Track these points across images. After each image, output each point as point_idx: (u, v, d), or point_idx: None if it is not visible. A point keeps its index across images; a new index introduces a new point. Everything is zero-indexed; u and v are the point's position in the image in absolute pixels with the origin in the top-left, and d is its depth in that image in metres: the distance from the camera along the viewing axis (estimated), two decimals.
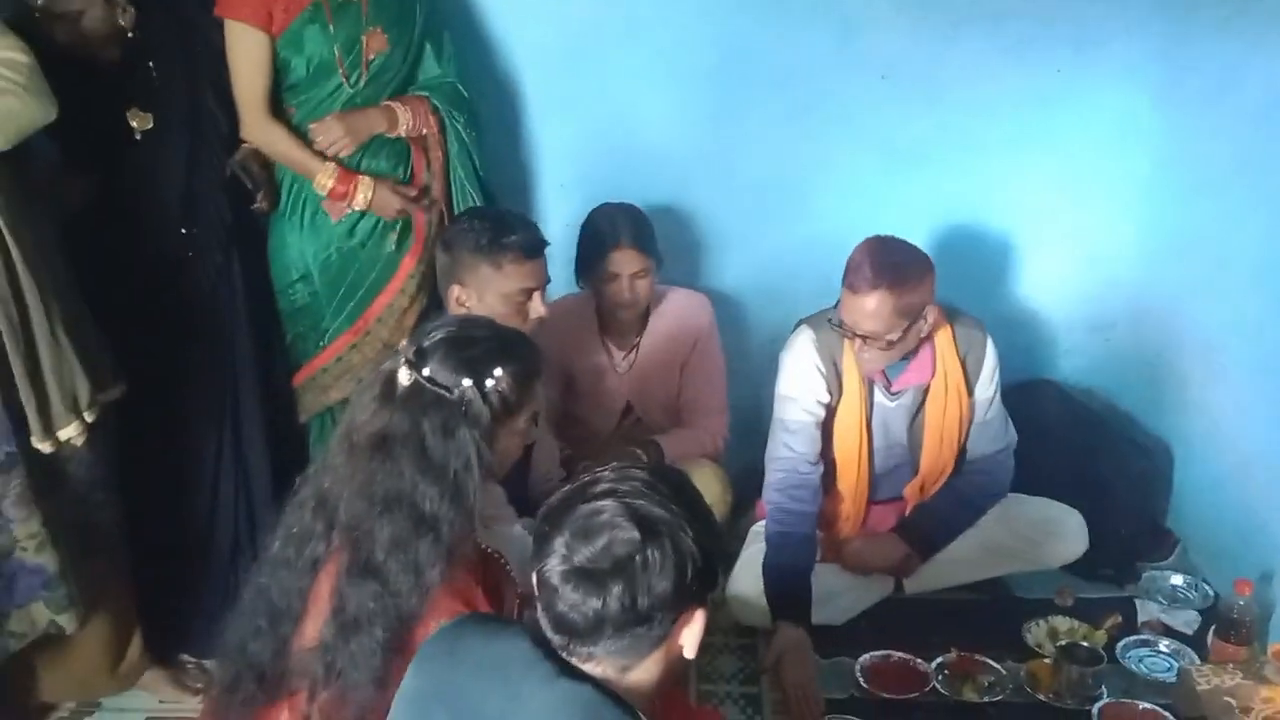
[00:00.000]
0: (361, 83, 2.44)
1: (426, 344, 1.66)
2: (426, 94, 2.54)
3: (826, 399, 2.52)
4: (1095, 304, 3.18)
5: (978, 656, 2.39)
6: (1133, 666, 2.39)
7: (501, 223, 2.32)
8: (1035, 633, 2.49)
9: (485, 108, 2.71)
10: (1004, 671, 2.36)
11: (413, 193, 2.50)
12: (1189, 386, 2.89)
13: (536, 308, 2.31)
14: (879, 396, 2.53)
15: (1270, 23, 2.54)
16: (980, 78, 2.95)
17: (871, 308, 2.30)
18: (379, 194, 2.45)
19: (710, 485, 2.53)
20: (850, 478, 2.59)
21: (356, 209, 2.45)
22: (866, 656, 2.40)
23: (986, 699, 2.30)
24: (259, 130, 2.40)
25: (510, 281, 2.26)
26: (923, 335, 2.43)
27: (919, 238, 2.51)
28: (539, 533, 1.33)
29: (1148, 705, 2.24)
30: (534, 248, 2.31)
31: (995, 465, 2.64)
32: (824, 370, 2.50)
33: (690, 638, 1.32)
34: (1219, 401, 2.77)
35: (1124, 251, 3.12)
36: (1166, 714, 2.22)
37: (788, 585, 2.42)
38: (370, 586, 1.57)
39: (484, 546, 1.80)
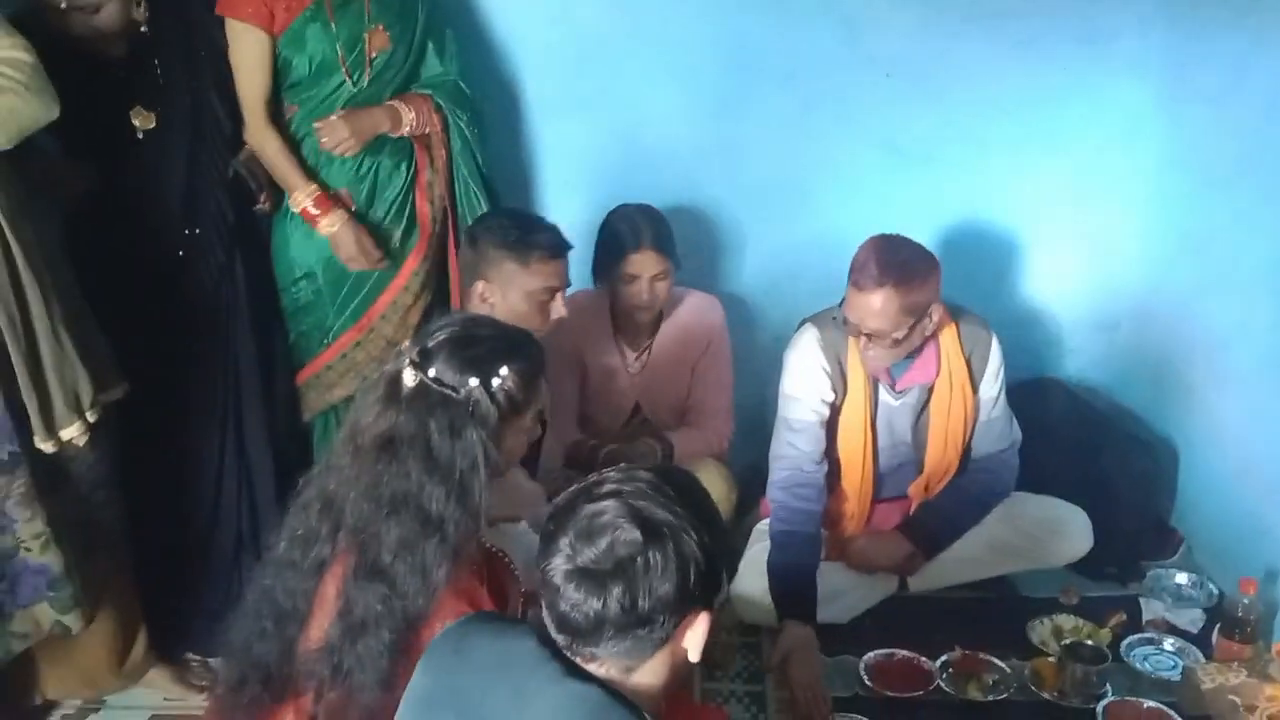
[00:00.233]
0: (364, 81, 2.44)
1: (431, 344, 1.65)
2: (429, 92, 2.53)
3: (831, 398, 2.52)
4: (1100, 302, 3.18)
5: (982, 655, 2.39)
6: (1137, 665, 2.39)
7: (530, 221, 2.36)
8: (1040, 631, 2.49)
9: (490, 107, 2.71)
10: (1008, 670, 2.36)
11: (377, 254, 2.48)
12: (1194, 385, 2.88)
13: (558, 308, 2.33)
14: (883, 395, 2.53)
15: (1278, 19, 2.53)
16: (985, 76, 2.95)
17: (877, 306, 2.29)
18: (342, 231, 2.44)
19: (715, 484, 2.54)
20: (854, 476, 2.59)
21: (318, 232, 2.45)
22: (871, 655, 2.39)
23: (991, 697, 2.30)
24: (256, 133, 2.41)
25: (536, 280, 2.28)
26: (928, 334, 2.43)
27: (923, 236, 2.51)
28: (545, 532, 1.33)
29: (1152, 704, 2.24)
30: (560, 248, 2.34)
31: (1000, 464, 2.63)
32: (828, 369, 2.50)
33: (694, 641, 1.31)
34: (1225, 400, 2.76)
35: (1129, 250, 3.11)
36: (1171, 712, 2.21)
37: (793, 583, 2.42)
38: (378, 588, 1.56)
39: (488, 545, 1.79)
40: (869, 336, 2.35)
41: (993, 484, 2.63)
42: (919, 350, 2.47)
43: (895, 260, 2.30)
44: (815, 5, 2.86)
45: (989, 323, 2.57)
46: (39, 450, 1.98)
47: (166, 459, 2.35)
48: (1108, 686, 2.29)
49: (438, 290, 2.63)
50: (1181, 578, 2.68)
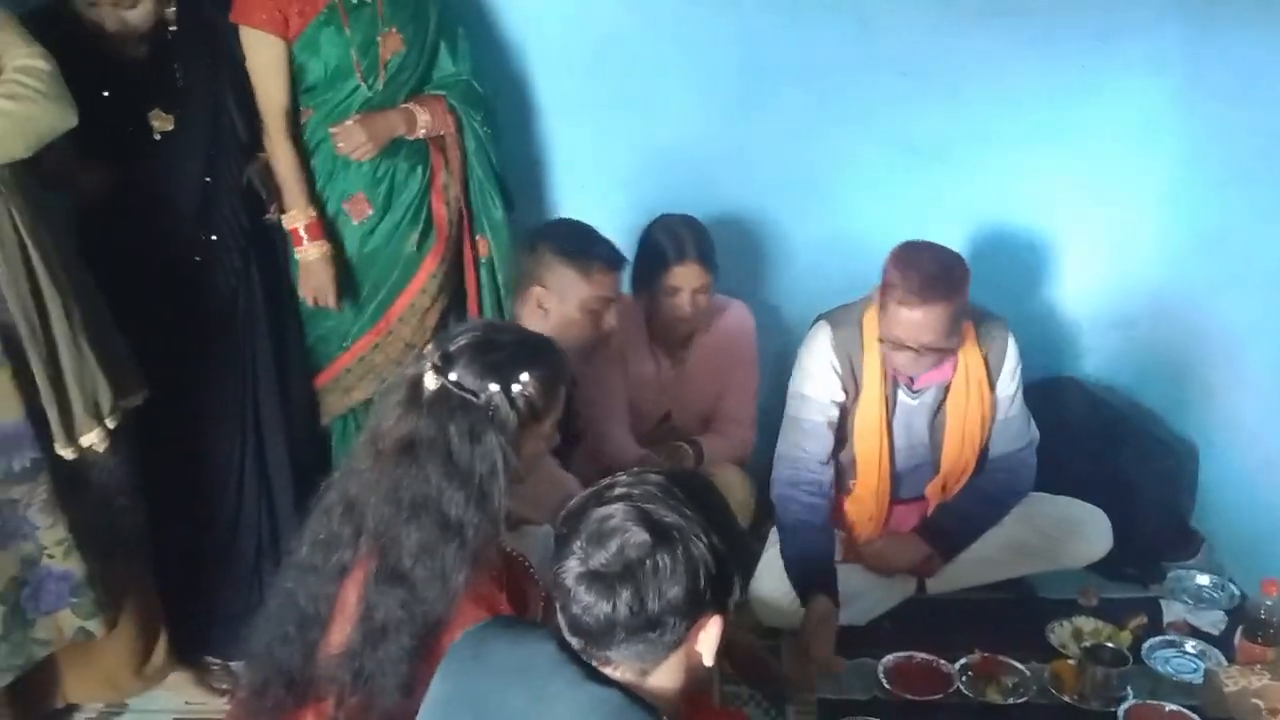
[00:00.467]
0: (379, 85, 2.44)
1: (453, 349, 1.65)
2: (443, 93, 2.53)
3: (840, 398, 2.52)
4: (1117, 301, 3.16)
5: (1001, 657, 2.38)
6: (1158, 668, 2.38)
7: (591, 233, 2.39)
8: (1059, 633, 2.48)
9: (504, 108, 2.71)
10: (1028, 673, 2.34)
11: (332, 299, 2.46)
12: (1214, 383, 2.87)
13: (610, 319, 2.36)
14: (901, 395, 2.52)
15: None
16: (1000, 73, 2.93)
17: (931, 322, 2.29)
18: (319, 264, 2.44)
19: (737, 490, 2.55)
20: (871, 478, 2.58)
21: (296, 255, 2.46)
22: (889, 657, 2.39)
23: (1010, 700, 2.29)
24: (271, 140, 2.41)
25: (594, 290, 2.31)
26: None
27: (939, 235, 2.49)
28: (559, 535, 1.34)
29: (1174, 707, 2.23)
30: (619, 261, 2.38)
31: (1017, 463, 2.62)
32: (839, 370, 2.50)
33: (707, 644, 1.31)
34: (1245, 398, 2.75)
35: (1146, 247, 3.10)
36: (1193, 715, 2.20)
37: (811, 565, 2.44)
38: (398, 593, 1.57)
39: (508, 549, 1.80)
40: (916, 350, 2.33)
41: (1011, 484, 2.62)
42: None
43: (941, 273, 2.30)
44: (830, 4, 2.84)
45: (1006, 321, 2.56)
46: (59, 457, 1.99)
47: (186, 463, 2.36)
48: (1128, 689, 2.28)
49: (454, 292, 2.63)
50: (1203, 579, 2.66)
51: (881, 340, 2.38)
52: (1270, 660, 2.28)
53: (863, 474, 2.58)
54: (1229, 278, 2.81)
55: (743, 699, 2.37)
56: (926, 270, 2.28)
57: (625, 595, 1.24)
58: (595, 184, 2.97)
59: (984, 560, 2.61)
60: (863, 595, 2.54)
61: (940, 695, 2.30)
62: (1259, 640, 2.30)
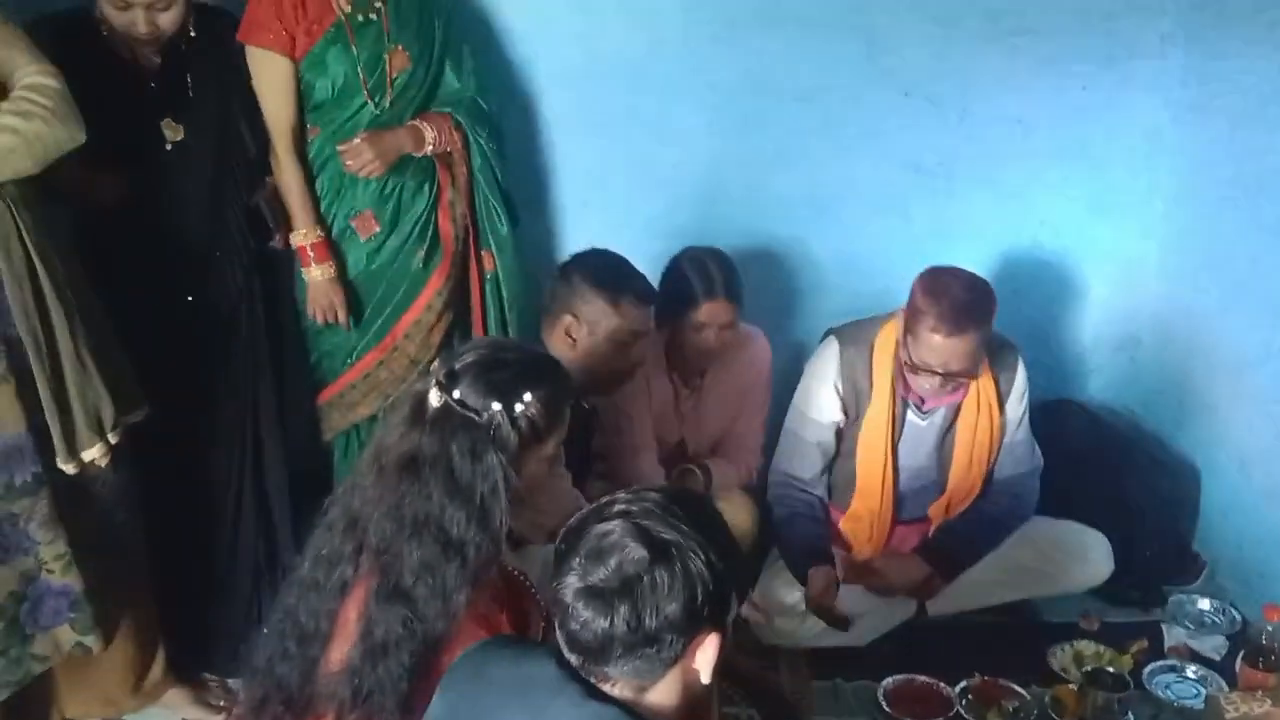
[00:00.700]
0: (386, 103, 2.44)
1: (458, 366, 1.65)
2: (449, 110, 2.54)
3: (839, 419, 2.54)
4: (1121, 322, 3.17)
5: (1002, 681, 2.37)
6: (1159, 693, 2.37)
7: (623, 265, 2.37)
8: (1060, 657, 2.48)
9: (509, 124, 2.71)
10: (1029, 697, 2.34)
11: (345, 318, 2.48)
12: (1217, 406, 2.87)
13: (639, 353, 2.36)
14: (910, 415, 2.53)
15: None
16: (1006, 94, 2.96)
17: (962, 349, 2.30)
18: (327, 285, 2.45)
19: (740, 516, 2.55)
20: (872, 499, 2.58)
21: (302, 273, 2.47)
22: (890, 680, 2.38)
23: None
24: (278, 158, 2.42)
25: (623, 322, 2.30)
26: None
27: (944, 255, 2.51)
28: (558, 552, 1.34)
29: None
30: (650, 295, 2.37)
31: (1021, 487, 2.62)
32: (842, 389, 2.51)
33: (705, 662, 1.31)
34: (1248, 421, 2.75)
35: (1151, 268, 3.11)
36: None
37: (807, 546, 2.49)
38: (399, 610, 1.56)
39: (509, 568, 1.79)
40: (944, 375, 2.34)
41: (1013, 507, 2.62)
42: None
43: (972, 301, 2.31)
44: (836, 23, 2.86)
45: (1016, 344, 2.57)
46: (60, 472, 1.98)
47: (185, 479, 2.35)
48: (1130, 715, 2.27)
49: (459, 308, 2.63)
50: (1204, 603, 2.66)
51: (908, 365, 2.38)
52: (1272, 686, 2.27)
53: (863, 493, 2.58)
54: (1233, 299, 2.82)
55: (743, 719, 2.36)
56: (958, 298, 2.29)
57: (623, 611, 1.24)
58: (600, 201, 2.97)
59: (985, 583, 2.60)
60: (863, 616, 2.53)
61: (941, 718, 2.29)
62: (1260, 666, 2.29)
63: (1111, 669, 2.35)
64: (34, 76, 1.86)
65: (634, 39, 2.84)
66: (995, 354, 2.51)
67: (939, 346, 2.30)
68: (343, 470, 2.55)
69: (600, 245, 2.60)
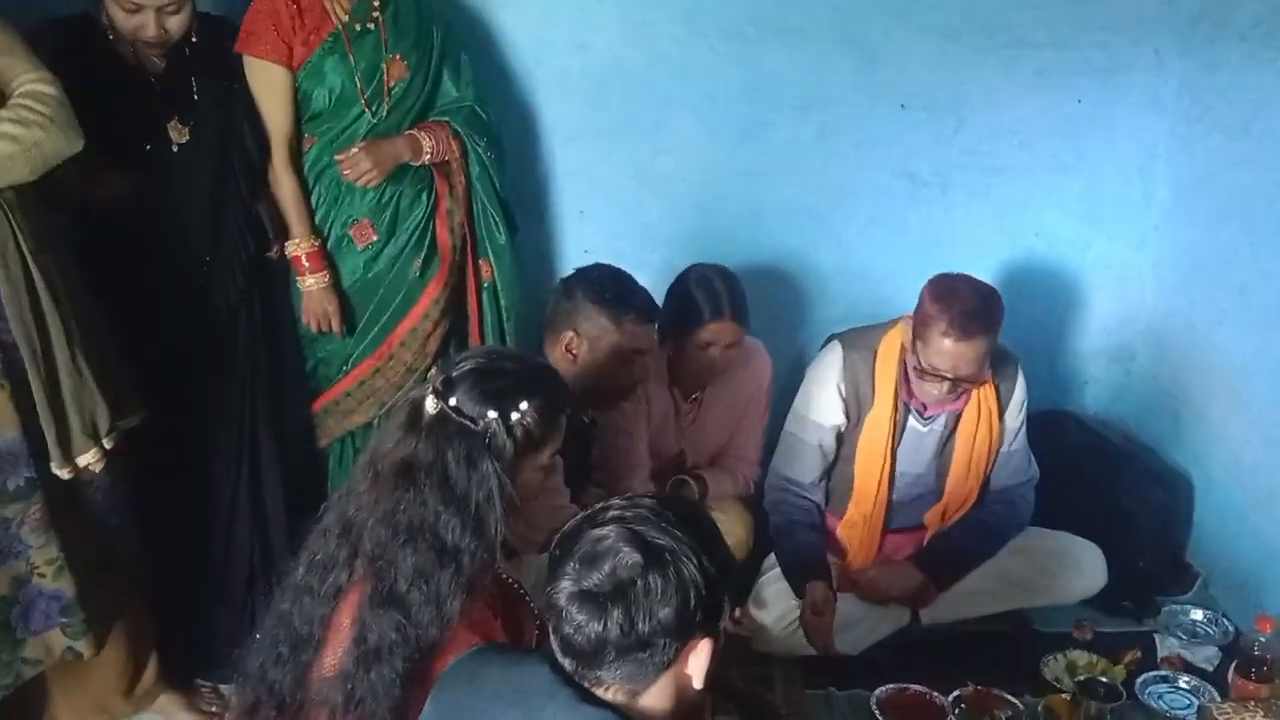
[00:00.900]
0: (384, 111, 2.45)
1: (455, 374, 1.66)
2: (447, 119, 2.54)
3: (840, 423, 2.54)
4: (1116, 333, 3.18)
5: (995, 690, 2.36)
6: (1152, 703, 2.37)
7: (627, 281, 2.36)
8: (1053, 667, 2.47)
9: (507, 133, 2.72)
10: (1021, 706, 2.33)
11: (340, 326, 2.49)
12: (1210, 418, 2.87)
13: (643, 371, 2.35)
14: (912, 422, 2.53)
15: None
16: (1002, 105, 2.97)
17: (971, 354, 2.31)
18: (322, 294, 2.46)
19: (735, 527, 2.57)
20: (867, 504, 2.58)
21: (297, 283, 2.47)
22: (882, 689, 2.38)
23: None
24: (274, 167, 2.42)
25: (624, 340, 2.29)
26: None
27: (940, 264, 2.51)
28: (552, 557, 1.35)
29: None
30: (653, 313, 2.36)
31: (1016, 497, 2.63)
32: (844, 393, 2.51)
33: (697, 667, 1.32)
34: (1241, 433, 2.75)
35: (1145, 280, 3.12)
36: None
37: (804, 557, 2.49)
38: (393, 616, 1.56)
39: (504, 576, 1.79)
40: (952, 381, 2.34)
41: (1008, 517, 2.63)
42: None
43: (982, 307, 2.32)
44: (833, 34, 2.87)
45: (1016, 354, 2.58)
46: (54, 476, 1.98)
47: (180, 484, 2.35)
48: None
49: (455, 319, 2.63)
50: (1197, 614, 2.66)
51: (916, 369, 2.39)
52: (1264, 697, 2.26)
53: (859, 498, 2.59)
54: (1228, 310, 2.83)
55: None
56: (969, 304, 2.31)
57: (616, 615, 1.26)
58: (598, 210, 2.98)
59: (978, 592, 2.61)
60: (856, 624, 2.54)
61: None
62: (1253, 677, 2.29)
63: (1104, 679, 2.35)
64: (32, 84, 1.87)
65: (632, 49, 2.86)
66: (996, 364, 2.51)
67: (949, 351, 2.31)
68: (338, 477, 2.56)
69: (597, 255, 2.62)
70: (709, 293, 2.55)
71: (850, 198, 3.01)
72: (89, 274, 2.12)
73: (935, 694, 2.36)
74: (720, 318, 2.54)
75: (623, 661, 1.27)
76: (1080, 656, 2.50)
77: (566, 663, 1.31)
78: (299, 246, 2.45)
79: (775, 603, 2.53)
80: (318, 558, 1.67)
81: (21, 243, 1.88)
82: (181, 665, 2.39)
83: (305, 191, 2.46)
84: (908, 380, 2.46)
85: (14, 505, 1.95)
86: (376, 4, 2.42)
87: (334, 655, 1.61)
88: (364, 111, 2.43)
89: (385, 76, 2.44)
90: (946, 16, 2.88)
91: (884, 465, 2.53)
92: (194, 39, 2.27)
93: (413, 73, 2.48)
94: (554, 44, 2.85)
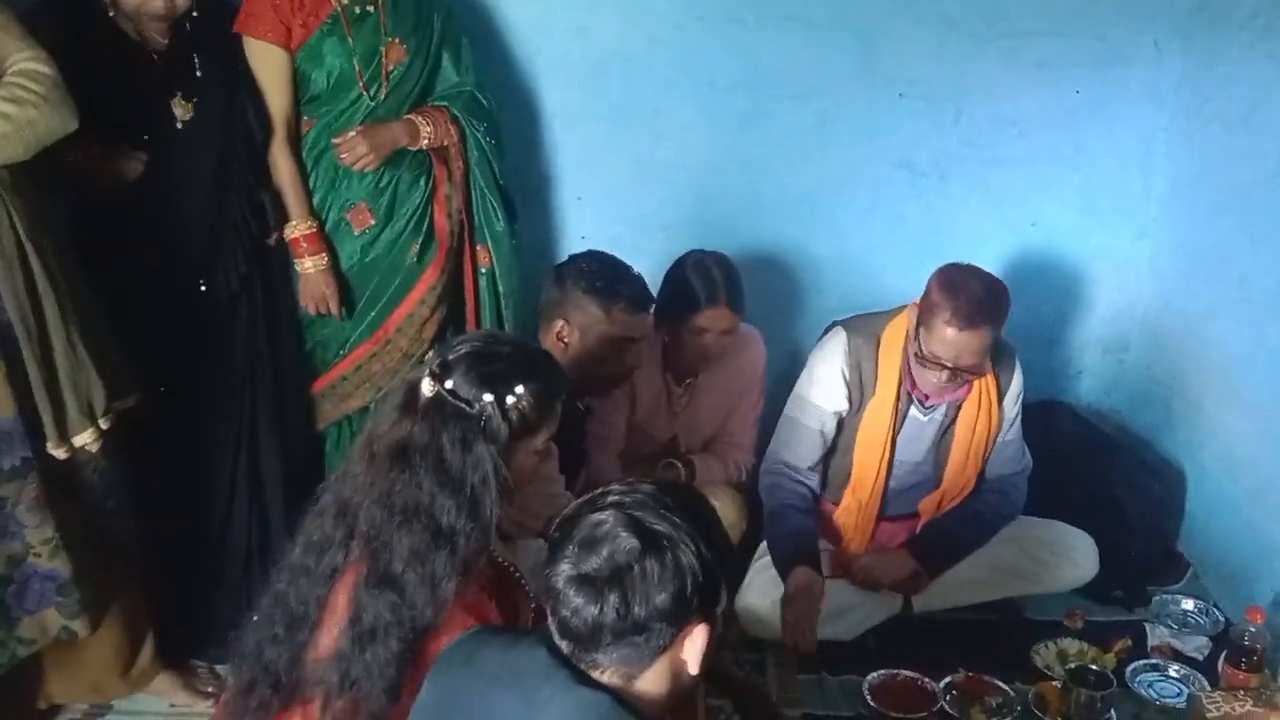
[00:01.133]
0: (382, 95, 2.45)
1: (451, 357, 1.66)
2: (446, 104, 2.54)
3: (843, 408, 2.54)
4: (1111, 324, 3.18)
5: (986, 677, 2.38)
6: (1142, 691, 2.38)
7: (619, 270, 2.35)
8: (1044, 655, 2.49)
9: (506, 119, 2.71)
10: (1012, 693, 2.35)
11: (339, 309, 2.49)
12: (1204, 409, 2.88)
13: (635, 359, 2.34)
14: (913, 410, 2.54)
15: None
16: (1001, 95, 2.97)
17: (975, 344, 2.32)
18: (320, 275, 2.46)
19: (728, 511, 2.55)
20: (864, 490, 2.59)
21: (296, 266, 2.47)
22: (874, 675, 2.39)
23: None
24: (273, 149, 2.42)
25: (617, 328, 2.29)
26: None
27: (937, 254, 2.51)
28: (551, 541, 1.36)
29: None
30: (646, 301, 2.35)
31: (1009, 487, 2.64)
32: (848, 377, 2.52)
33: (693, 653, 1.33)
34: (1234, 424, 2.76)
35: (1142, 271, 3.12)
36: None
37: (793, 541, 2.49)
38: (388, 597, 1.57)
39: (500, 559, 1.80)
40: (954, 370, 2.35)
41: (1001, 506, 2.64)
42: None
43: (988, 298, 2.33)
44: (833, 23, 2.87)
45: (1014, 345, 2.58)
46: (50, 456, 1.98)
47: (177, 465, 2.35)
48: (1112, 712, 2.28)
49: (453, 305, 2.63)
50: (1188, 604, 2.68)
51: (917, 357, 2.39)
52: (1253, 686, 2.28)
53: (857, 485, 2.60)
54: (1223, 302, 2.83)
55: (727, 713, 2.37)
56: (975, 294, 2.31)
57: (613, 599, 1.26)
58: (596, 197, 2.98)
59: (970, 580, 2.62)
60: (848, 611, 2.55)
61: (924, 714, 2.31)
62: (1243, 666, 2.30)
63: (1095, 667, 2.36)
64: (26, 63, 1.87)
65: (632, 36, 2.85)
66: (995, 354, 2.52)
67: (952, 340, 2.32)
68: (335, 460, 2.56)
69: (595, 241, 2.62)
70: (705, 279, 2.55)
71: (848, 187, 3.01)
72: (89, 258, 2.12)
73: (927, 680, 2.38)
74: (716, 304, 2.53)
75: (619, 645, 1.28)
76: (1071, 645, 2.51)
77: (564, 645, 1.32)
78: (297, 228, 2.45)
79: (766, 587, 2.54)
80: (314, 538, 1.67)
81: (16, 222, 1.88)
82: (178, 646, 2.39)
83: (304, 174, 2.46)
84: (911, 368, 2.47)
85: (9, 485, 1.95)
86: None
87: (329, 636, 1.61)
88: (362, 95, 2.43)
89: (384, 60, 2.44)
90: (946, 6, 2.88)
91: (884, 453, 2.54)
92: (194, 14, 2.26)
93: (411, 57, 2.48)
94: (554, 29, 2.84)
